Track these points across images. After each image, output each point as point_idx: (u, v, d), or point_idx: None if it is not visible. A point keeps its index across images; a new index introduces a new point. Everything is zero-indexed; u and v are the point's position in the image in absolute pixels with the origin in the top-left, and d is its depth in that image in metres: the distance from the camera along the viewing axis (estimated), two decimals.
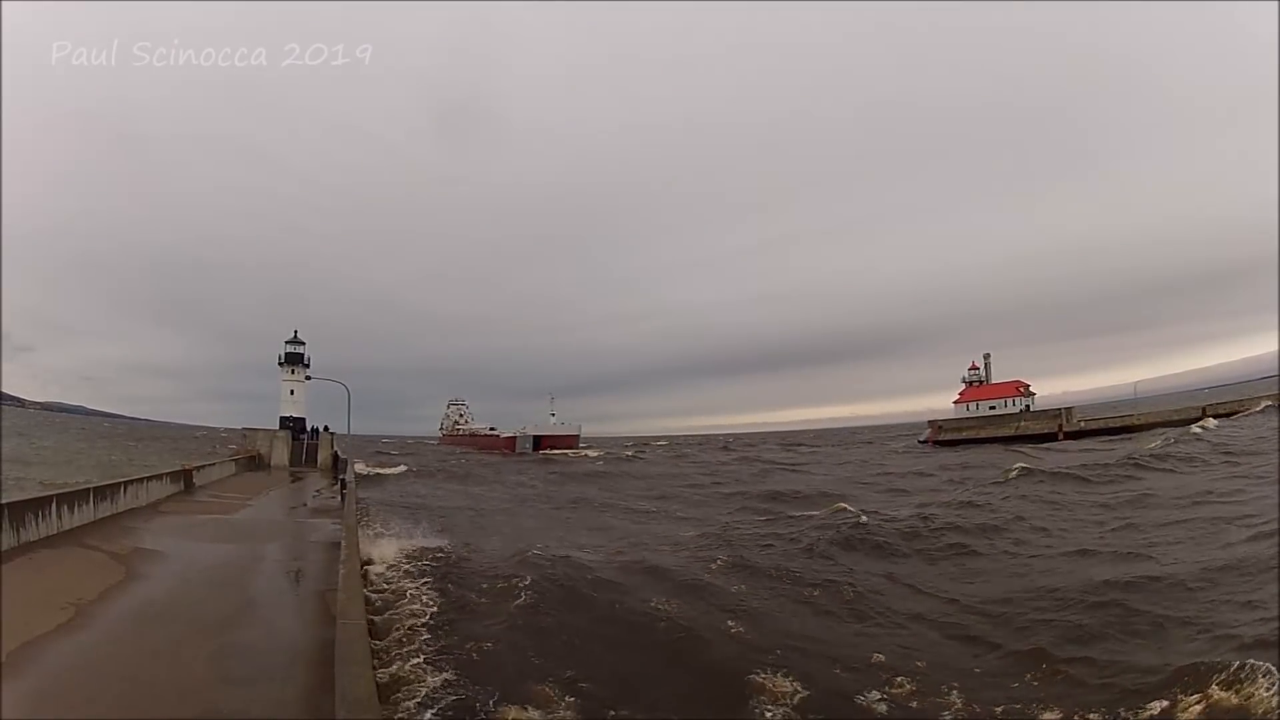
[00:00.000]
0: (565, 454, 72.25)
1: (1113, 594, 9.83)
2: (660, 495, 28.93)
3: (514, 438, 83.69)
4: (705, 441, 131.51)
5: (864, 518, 17.16)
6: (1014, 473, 24.74)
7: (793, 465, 45.14)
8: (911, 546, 14.75)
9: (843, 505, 19.56)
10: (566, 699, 7.02)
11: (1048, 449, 42.70)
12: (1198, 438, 34.33)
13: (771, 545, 15.09)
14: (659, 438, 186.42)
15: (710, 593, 11.21)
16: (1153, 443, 32.98)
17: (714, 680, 7.74)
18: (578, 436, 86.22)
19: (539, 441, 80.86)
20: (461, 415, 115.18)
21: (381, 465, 42.90)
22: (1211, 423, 42.61)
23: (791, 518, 19.49)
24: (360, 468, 37.06)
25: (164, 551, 11.11)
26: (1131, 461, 25.88)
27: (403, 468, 41.36)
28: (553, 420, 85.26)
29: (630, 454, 68.90)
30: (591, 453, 75.28)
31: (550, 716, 6.72)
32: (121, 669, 5.80)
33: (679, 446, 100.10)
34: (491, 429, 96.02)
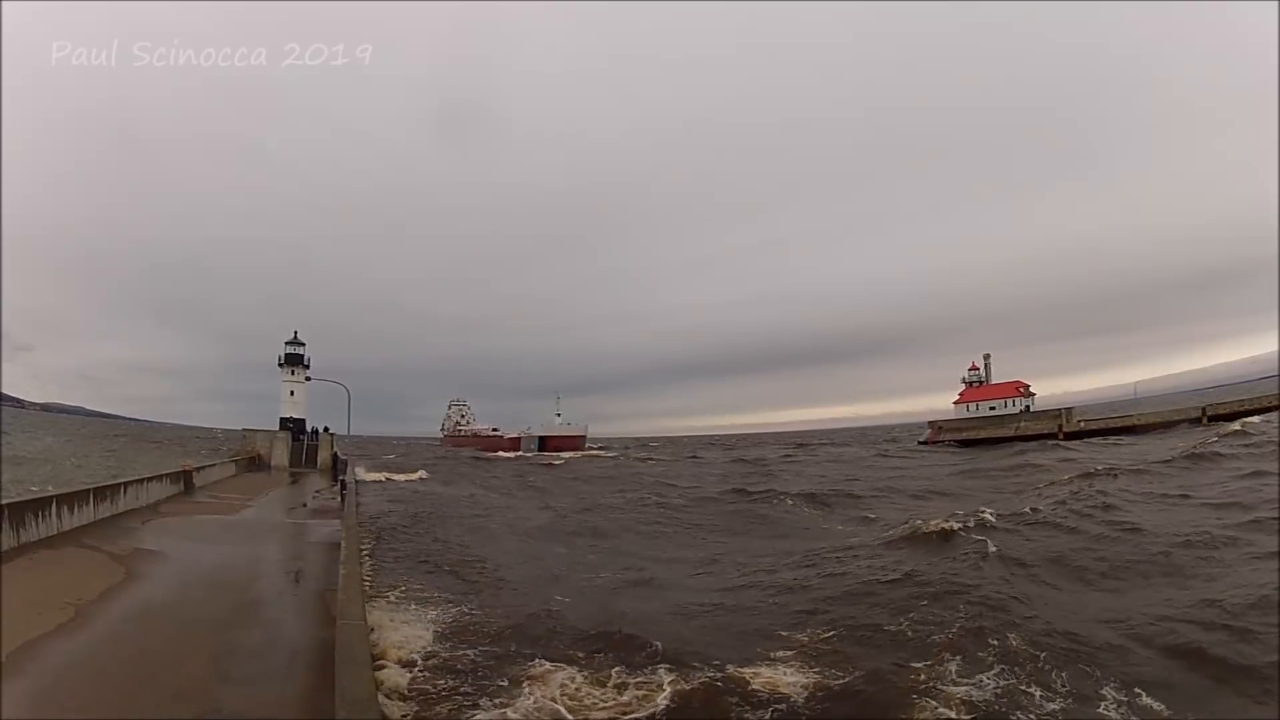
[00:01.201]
0: (574, 454, 72.09)
1: None
2: (703, 501, 25.67)
3: (518, 438, 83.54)
4: (713, 442, 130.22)
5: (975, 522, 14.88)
6: (1072, 474, 23.47)
7: (812, 467, 42.90)
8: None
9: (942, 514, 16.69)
10: None
11: (1086, 446, 41.60)
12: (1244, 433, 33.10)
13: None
14: (658, 438, 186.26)
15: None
16: (1190, 440, 31.83)
17: None
18: (584, 437, 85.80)
19: (544, 442, 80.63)
20: (463, 415, 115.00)
21: (386, 470, 42.25)
22: (1255, 419, 41.57)
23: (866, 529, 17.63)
24: (363, 473, 36.56)
25: (164, 552, 11.11)
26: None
27: (409, 475, 40.20)
28: (558, 420, 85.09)
29: (642, 455, 68.09)
30: (602, 453, 75.05)
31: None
32: (121, 669, 5.80)
33: (684, 447, 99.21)
34: (494, 429, 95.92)
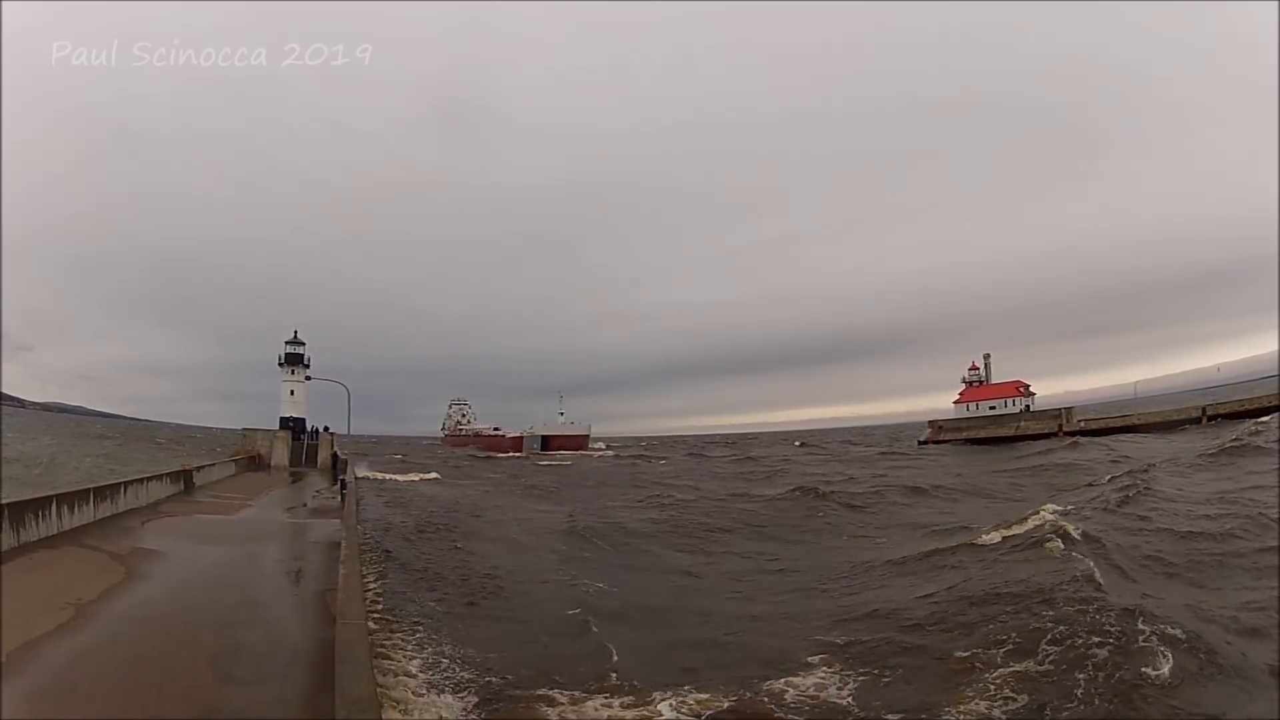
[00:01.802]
0: (577, 454, 72.04)
1: None
2: (716, 501, 24.48)
3: (521, 438, 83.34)
4: (715, 441, 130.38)
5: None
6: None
7: (820, 466, 42.52)
8: None
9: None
10: None
11: (1099, 444, 41.20)
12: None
13: None
14: (659, 437, 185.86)
15: None
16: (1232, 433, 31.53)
17: None
18: (588, 436, 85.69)
19: (547, 441, 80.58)
20: (464, 415, 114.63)
21: (387, 470, 41.93)
22: (1265, 419, 41.05)
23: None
24: (364, 473, 36.41)
25: (164, 552, 11.11)
26: None
27: (411, 475, 39.55)
28: (561, 420, 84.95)
29: (646, 455, 67.74)
30: (605, 452, 75.01)
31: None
32: (122, 669, 5.79)
33: (687, 446, 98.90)
34: (496, 429, 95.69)
